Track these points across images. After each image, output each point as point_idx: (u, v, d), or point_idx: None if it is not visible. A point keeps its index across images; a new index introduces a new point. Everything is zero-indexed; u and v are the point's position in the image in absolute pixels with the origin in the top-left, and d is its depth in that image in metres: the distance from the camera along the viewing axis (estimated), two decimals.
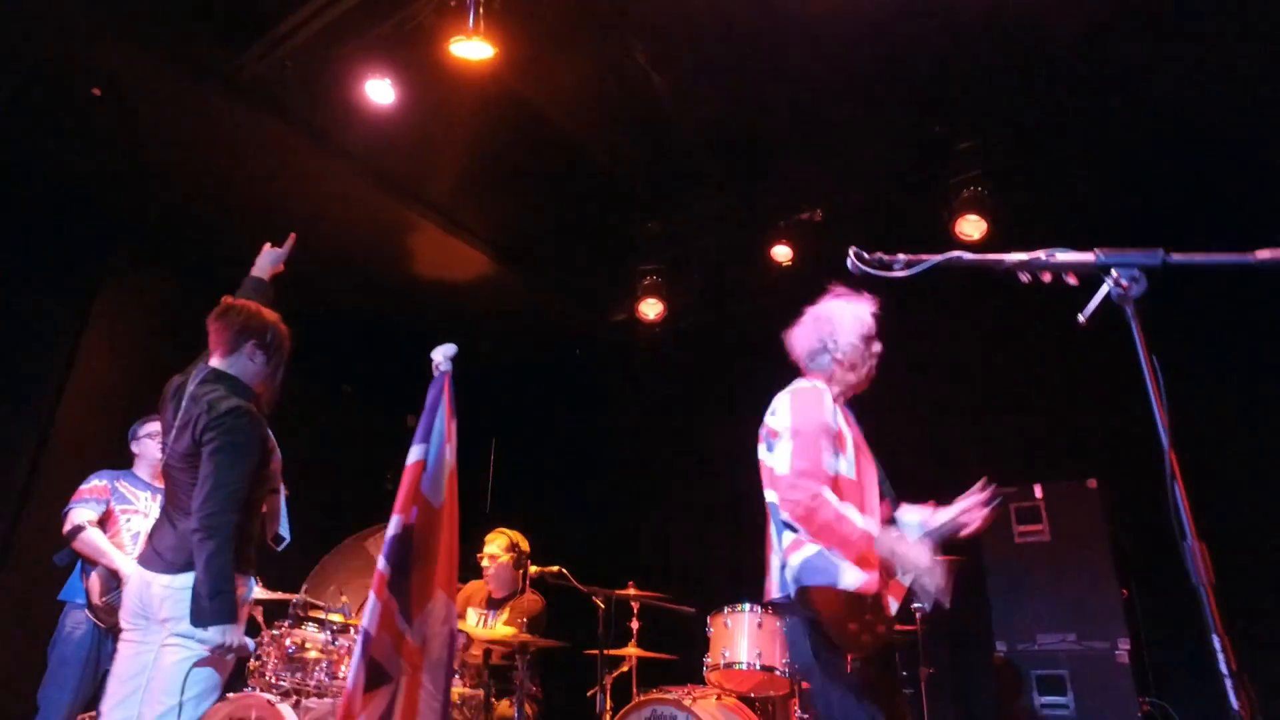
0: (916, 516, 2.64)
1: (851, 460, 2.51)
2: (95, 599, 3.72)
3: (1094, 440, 5.05)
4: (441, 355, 2.96)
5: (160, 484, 4.06)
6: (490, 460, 6.43)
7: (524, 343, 7.35)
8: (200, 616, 2.44)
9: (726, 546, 6.51)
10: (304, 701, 3.34)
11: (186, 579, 2.51)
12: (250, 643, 2.57)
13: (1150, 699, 4.16)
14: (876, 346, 2.70)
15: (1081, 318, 1.48)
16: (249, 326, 2.88)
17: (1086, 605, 4.13)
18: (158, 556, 2.59)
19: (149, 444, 4.11)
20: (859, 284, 2.59)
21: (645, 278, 6.30)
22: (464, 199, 5.82)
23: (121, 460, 4.17)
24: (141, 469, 4.13)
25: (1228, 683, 1.16)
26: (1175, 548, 1.98)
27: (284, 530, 2.93)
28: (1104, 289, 1.43)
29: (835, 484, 2.42)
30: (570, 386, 7.74)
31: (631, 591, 4.32)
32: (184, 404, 2.71)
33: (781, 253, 5.91)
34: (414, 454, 2.77)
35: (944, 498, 2.68)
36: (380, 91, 4.57)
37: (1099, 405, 5.04)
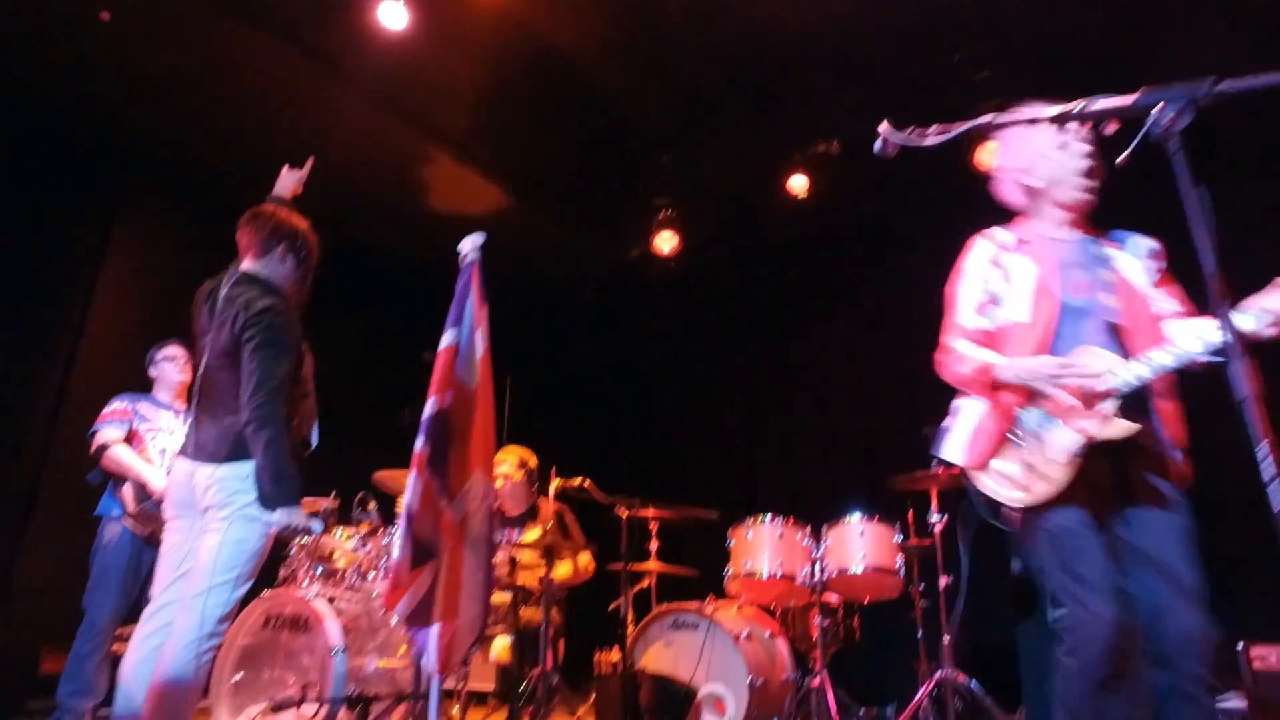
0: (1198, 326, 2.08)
1: (1026, 300, 2.23)
2: (130, 508, 3.82)
3: None
4: (469, 244, 3.00)
5: (180, 405, 4.15)
6: (505, 396, 6.46)
7: (539, 276, 7.35)
8: (266, 501, 2.54)
9: (742, 465, 6.60)
10: (337, 602, 3.42)
11: (230, 469, 2.57)
12: (316, 524, 2.65)
13: None
14: (1073, 146, 2.27)
15: (1120, 159, 1.48)
16: (279, 230, 2.91)
17: None
18: (200, 448, 2.65)
19: (167, 367, 4.18)
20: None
21: (660, 211, 6.28)
22: (477, 131, 5.78)
23: (144, 386, 4.23)
24: (161, 392, 4.20)
25: (1271, 486, 1.19)
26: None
27: (314, 437, 2.99)
28: (1146, 127, 1.43)
29: (992, 337, 2.27)
30: (586, 320, 7.77)
31: (652, 512, 4.37)
32: (219, 305, 2.75)
33: (798, 183, 5.88)
34: (446, 339, 2.83)
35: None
36: (393, 15, 4.54)
37: None
